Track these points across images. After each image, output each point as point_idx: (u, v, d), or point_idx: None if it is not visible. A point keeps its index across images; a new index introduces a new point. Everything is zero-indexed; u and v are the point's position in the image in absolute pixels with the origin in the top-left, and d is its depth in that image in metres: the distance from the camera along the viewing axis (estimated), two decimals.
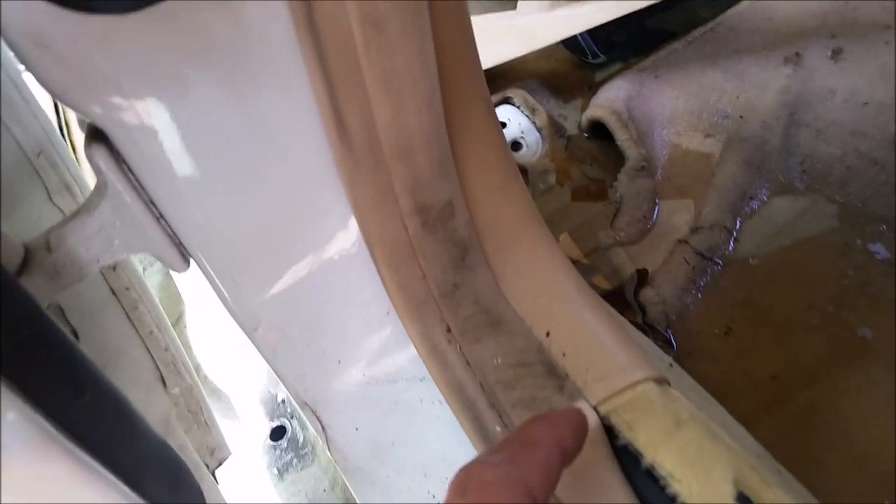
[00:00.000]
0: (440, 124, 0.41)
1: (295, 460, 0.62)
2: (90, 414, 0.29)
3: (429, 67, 0.38)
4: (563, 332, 0.48)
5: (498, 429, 0.44)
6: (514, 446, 0.33)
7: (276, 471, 0.62)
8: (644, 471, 0.41)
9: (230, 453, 0.56)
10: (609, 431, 0.43)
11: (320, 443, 0.63)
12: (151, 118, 0.34)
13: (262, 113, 0.37)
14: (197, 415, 0.52)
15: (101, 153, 0.35)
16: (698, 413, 0.44)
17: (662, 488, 0.40)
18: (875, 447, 0.65)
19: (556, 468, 0.32)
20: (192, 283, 0.82)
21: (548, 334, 0.47)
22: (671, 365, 0.56)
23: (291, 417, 0.66)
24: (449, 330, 0.45)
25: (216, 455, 0.53)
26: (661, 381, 0.46)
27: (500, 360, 0.46)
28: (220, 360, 0.72)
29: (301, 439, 0.64)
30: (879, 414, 0.67)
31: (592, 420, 0.43)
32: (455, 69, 0.43)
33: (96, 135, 0.35)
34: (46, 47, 0.29)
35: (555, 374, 0.45)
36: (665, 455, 0.41)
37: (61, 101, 0.33)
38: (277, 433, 0.65)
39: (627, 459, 0.42)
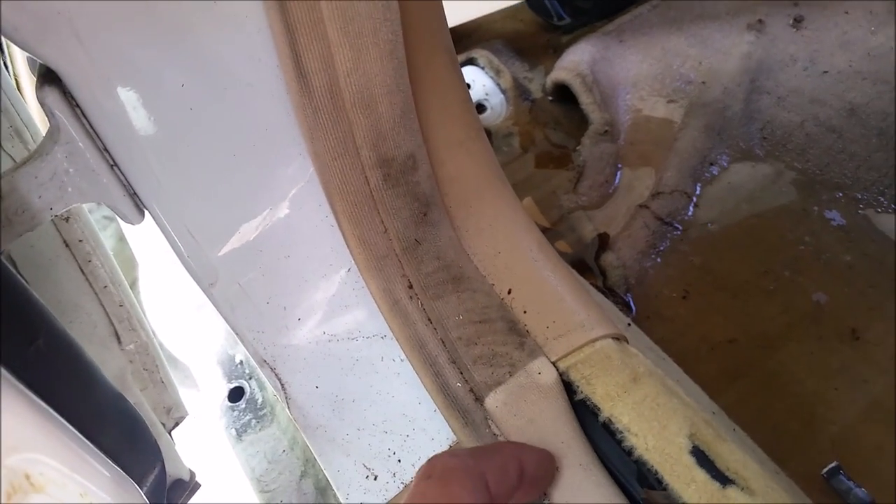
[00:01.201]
0: (403, 73, 0.40)
1: (254, 421, 0.61)
2: (43, 360, 0.28)
3: (392, 12, 0.37)
4: (524, 289, 0.47)
5: (458, 384, 0.44)
6: (479, 448, 0.37)
7: (234, 432, 0.61)
8: (601, 424, 0.42)
9: (187, 413, 0.55)
10: (567, 386, 0.43)
11: (279, 404, 0.62)
12: (106, 62, 0.32)
13: (218, 58, 0.35)
14: (153, 373, 0.51)
15: (53, 96, 0.33)
16: (655, 369, 0.44)
17: (619, 441, 0.41)
18: (826, 409, 0.67)
19: (511, 478, 0.35)
20: (146, 247, 0.80)
21: (509, 291, 0.47)
22: (629, 325, 0.57)
23: (249, 379, 0.65)
24: (410, 286, 0.45)
25: (172, 414, 0.52)
26: (620, 338, 0.47)
27: (461, 317, 0.45)
28: (175, 325, 0.71)
29: (260, 400, 0.63)
30: (832, 378, 0.69)
31: (551, 375, 0.43)
32: (418, 18, 0.42)
33: (49, 77, 0.33)
34: None
35: (515, 331, 0.45)
36: (622, 409, 0.42)
37: (12, 41, 0.31)
38: (235, 394, 0.64)
39: (585, 413, 0.43)
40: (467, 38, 1.13)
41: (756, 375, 0.69)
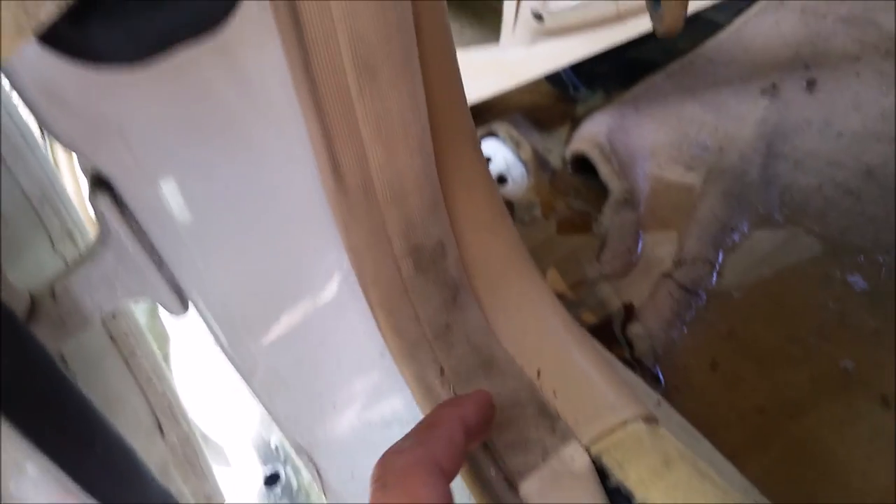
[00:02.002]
0: (431, 166, 0.42)
1: None
2: (101, 465, 0.29)
3: (420, 110, 0.39)
4: (553, 370, 0.48)
5: (493, 473, 0.44)
6: (419, 430, 0.35)
7: None
8: None
9: (224, 500, 0.55)
10: (600, 472, 0.43)
11: (315, 489, 0.63)
12: (154, 169, 0.34)
13: (260, 159, 0.37)
14: (193, 463, 0.51)
15: (105, 202, 0.35)
16: (686, 451, 0.44)
17: None
18: (859, 479, 0.65)
19: (460, 443, 0.34)
20: (178, 323, 0.81)
21: (539, 373, 0.48)
22: (659, 403, 0.57)
23: (285, 463, 0.65)
24: (442, 372, 0.46)
25: (212, 502, 0.52)
26: (650, 420, 0.47)
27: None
28: (210, 405, 0.72)
29: (295, 486, 0.63)
30: (864, 446, 0.68)
31: (584, 461, 0.43)
32: (444, 111, 0.44)
33: (101, 183, 0.35)
34: (56, 98, 0.30)
35: (547, 414, 0.46)
36: (655, 494, 0.41)
37: (69, 149, 0.33)
38: (271, 480, 0.64)
39: (619, 499, 0.42)
40: (487, 111, 1.16)
41: (786, 444, 0.68)
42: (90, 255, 0.35)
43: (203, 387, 0.72)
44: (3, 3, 0.18)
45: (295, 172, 0.38)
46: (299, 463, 0.62)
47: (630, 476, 0.43)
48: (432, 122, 0.41)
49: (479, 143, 0.49)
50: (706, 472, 0.44)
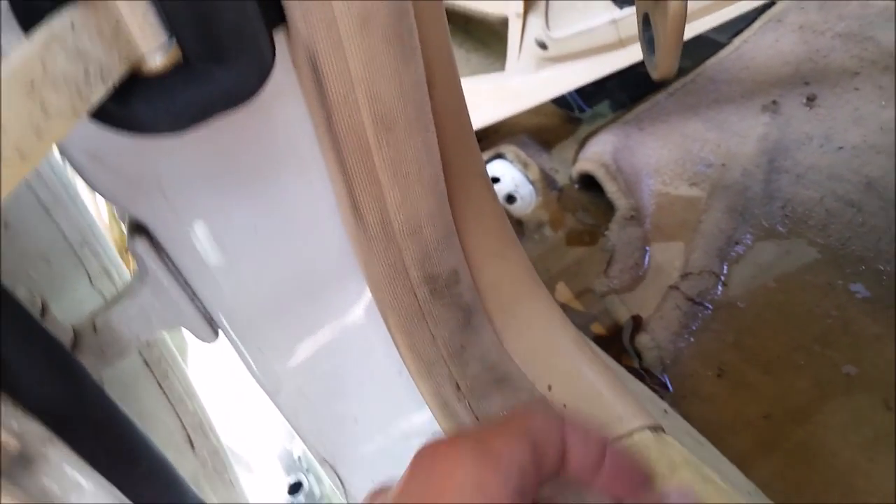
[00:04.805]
0: (444, 202, 0.45)
1: None
2: (146, 482, 0.33)
3: (432, 155, 0.43)
4: (563, 385, 0.51)
5: None
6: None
7: None
8: None
9: None
10: None
11: (336, 497, 0.66)
12: (189, 216, 0.38)
13: (286, 203, 0.41)
14: (222, 474, 0.55)
15: (143, 245, 0.39)
16: (691, 457, 0.48)
17: None
18: (863, 480, 0.68)
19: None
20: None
21: (549, 388, 0.51)
22: (666, 411, 0.60)
23: (307, 472, 0.69)
24: (458, 388, 0.49)
25: None
26: (656, 429, 0.50)
27: (506, 414, 0.49)
28: (234, 417, 0.75)
29: (318, 494, 0.67)
30: (867, 448, 0.71)
31: None
32: (455, 152, 0.48)
33: (138, 228, 0.39)
34: (99, 160, 0.34)
35: None
36: None
37: (110, 202, 0.37)
38: (294, 488, 0.68)
39: None
40: (494, 133, 1.21)
41: (791, 448, 0.71)
42: (128, 291, 0.39)
43: (228, 401, 0.75)
44: (60, 87, 0.20)
45: (318, 212, 0.42)
46: (322, 472, 0.66)
47: None
48: (444, 163, 0.45)
49: (487, 174, 0.53)
50: (709, 476, 0.47)
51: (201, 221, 0.39)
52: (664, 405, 0.62)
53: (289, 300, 0.45)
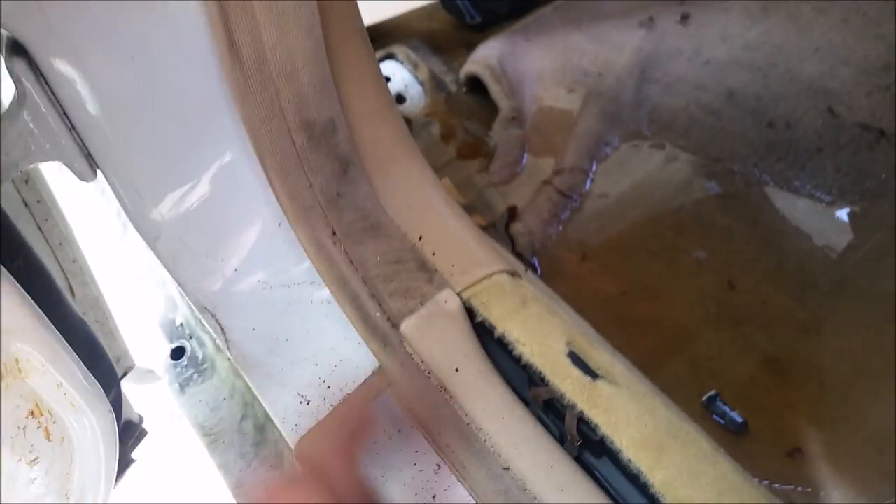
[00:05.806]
0: (320, 48, 0.47)
1: (195, 375, 0.67)
2: (22, 277, 0.34)
3: None
4: (432, 235, 0.56)
5: (378, 314, 0.52)
6: None
7: (177, 386, 0.67)
8: (496, 339, 0.50)
9: (134, 363, 0.60)
10: (469, 312, 0.52)
11: (219, 358, 0.68)
12: (67, 42, 0.38)
13: (162, 34, 0.42)
14: (103, 324, 0.56)
15: (21, 66, 0.39)
16: (540, 295, 0.53)
17: (510, 352, 0.49)
18: (705, 347, 0.78)
19: None
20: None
21: (420, 238, 0.55)
22: (526, 270, 0.66)
23: (190, 338, 0.70)
24: (334, 233, 0.52)
25: (122, 363, 0.57)
26: (513, 273, 0.56)
27: (379, 258, 0.53)
28: (114, 292, 0.75)
29: (200, 357, 0.69)
30: (711, 322, 0.80)
31: (456, 303, 0.52)
32: (334, 5, 0.50)
33: (17, 49, 0.39)
34: None
35: (426, 269, 0.53)
36: (512, 326, 0.50)
37: None
38: (177, 353, 0.69)
39: (483, 332, 0.51)
40: (387, 35, 1.21)
41: (642, 320, 0.80)
42: (7, 114, 0.39)
43: (107, 264, 0.74)
44: None
45: (194, 47, 0.43)
46: (205, 337, 0.68)
47: (493, 313, 0.51)
48: (323, 15, 0.47)
49: (370, 44, 0.55)
50: (555, 310, 0.53)
51: (78, 48, 0.40)
52: (523, 268, 0.68)
53: (166, 139, 0.46)
